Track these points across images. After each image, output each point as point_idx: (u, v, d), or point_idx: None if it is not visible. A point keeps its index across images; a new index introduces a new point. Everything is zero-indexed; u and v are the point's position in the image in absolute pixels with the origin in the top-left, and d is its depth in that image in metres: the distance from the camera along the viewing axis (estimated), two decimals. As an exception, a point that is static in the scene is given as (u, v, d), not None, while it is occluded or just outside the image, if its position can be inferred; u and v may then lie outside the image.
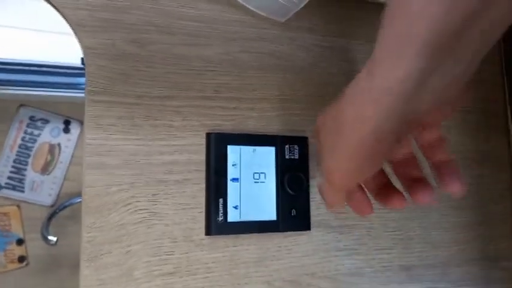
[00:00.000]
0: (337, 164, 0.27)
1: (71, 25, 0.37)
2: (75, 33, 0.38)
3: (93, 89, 0.38)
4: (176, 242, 0.39)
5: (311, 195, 0.44)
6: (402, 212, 0.48)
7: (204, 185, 0.41)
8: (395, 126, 0.23)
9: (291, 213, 0.42)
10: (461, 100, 0.26)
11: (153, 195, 0.39)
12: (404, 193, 0.33)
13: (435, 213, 0.50)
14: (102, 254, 0.37)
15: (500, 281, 0.52)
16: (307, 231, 0.44)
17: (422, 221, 0.49)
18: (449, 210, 0.51)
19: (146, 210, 0.38)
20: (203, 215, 0.40)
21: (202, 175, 0.41)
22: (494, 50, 0.55)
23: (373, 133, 0.23)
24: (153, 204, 0.39)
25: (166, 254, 0.39)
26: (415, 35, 0.19)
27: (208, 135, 0.41)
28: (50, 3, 0.37)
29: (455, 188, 0.30)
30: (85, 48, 0.38)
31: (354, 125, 0.24)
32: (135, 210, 0.38)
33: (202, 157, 0.41)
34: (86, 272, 0.36)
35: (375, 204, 0.47)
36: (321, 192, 0.34)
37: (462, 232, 0.51)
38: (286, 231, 0.43)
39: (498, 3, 0.19)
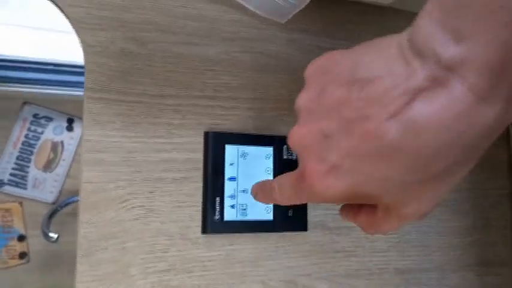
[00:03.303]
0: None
1: (71, 22, 0.38)
2: (76, 30, 0.38)
3: (92, 86, 0.38)
4: (172, 239, 0.39)
5: (308, 196, 0.44)
6: (400, 215, 0.48)
7: (201, 184, 0.41)
8: None
9: (287, 213, 0.43)
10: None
11: (150, 192, 0.39)
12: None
13: (432, 218, 0.50)
14: (97, 250, 0.37)
15: (496, 286, 0.51)
16: (304, 232, 0.44)
17: (419, 225, 0.49)
18: (446, 215, 0.50)
19: (143, 207, 0.39)
20: (200, 213, 0.41)
21: (200, 174, 0.41)
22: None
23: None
24: (149, 202, 0.39)
25: (162, 252, 0.39)
26: None
27: (206, 134, 0.41)
28: (52, 0, 0.38)
29: None
30: (85, 45, 0.38)
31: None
32: (132, 207, 0.38)
33: (201, 156, 0.41)
34: (81, 267, 0.36)
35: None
36: (282, 187, 0.29)
37: (459, 237, 0.51)
38: (283, 231, 0.43)
39: None
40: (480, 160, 0.55)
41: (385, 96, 0.19)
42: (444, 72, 0.18)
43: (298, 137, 0.24)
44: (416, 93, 0.18)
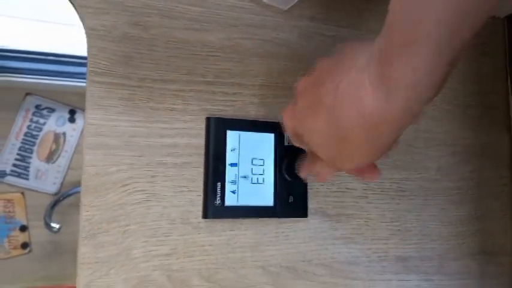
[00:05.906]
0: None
1: (74, 6, 0.38)
2: (78, 13, 0.38)
3: (94, 69, 0.38)
4: (174, 224, 0.40)
5: (309, 183, 0.44)
6: (400, 204, 0.48)
7: (203, 169, 0.41)
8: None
9: (288, 199, 0.43)
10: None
11: (152, 176, 0.39)
12: None
13: (433, 206, 0.50)
14: (99, 233, 0.37)
15: (496, 275, 0.52)
16: (304, 218, 0.44)
17: (420, 213, 0.49)
18: (448, 204, 0.51)
19: (144, 192, 0.39)
20: (201, 198, 0.41)
21: (202, 159, 0.41)
22: (498, 44, 0.55)
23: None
24: (151, 186, 0.39)
25: (164, 235, 0.39)
26: None
27: (208, 119, 0.41)
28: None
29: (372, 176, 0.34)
30: (87, 29, 0.38)
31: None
32: (134, 191, 0.39)
33: (202, 141, 0.41)
34: (83, 249, 0.37)
35: (373, 195, 0.47)
36: (313, 169, 0.36)
37: (460, 226, 0.51)
38: (283, 217, 0.43)
39: None
40: (481, 150, 0.55)
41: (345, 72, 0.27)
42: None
43: (300, 85, 0.34)
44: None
